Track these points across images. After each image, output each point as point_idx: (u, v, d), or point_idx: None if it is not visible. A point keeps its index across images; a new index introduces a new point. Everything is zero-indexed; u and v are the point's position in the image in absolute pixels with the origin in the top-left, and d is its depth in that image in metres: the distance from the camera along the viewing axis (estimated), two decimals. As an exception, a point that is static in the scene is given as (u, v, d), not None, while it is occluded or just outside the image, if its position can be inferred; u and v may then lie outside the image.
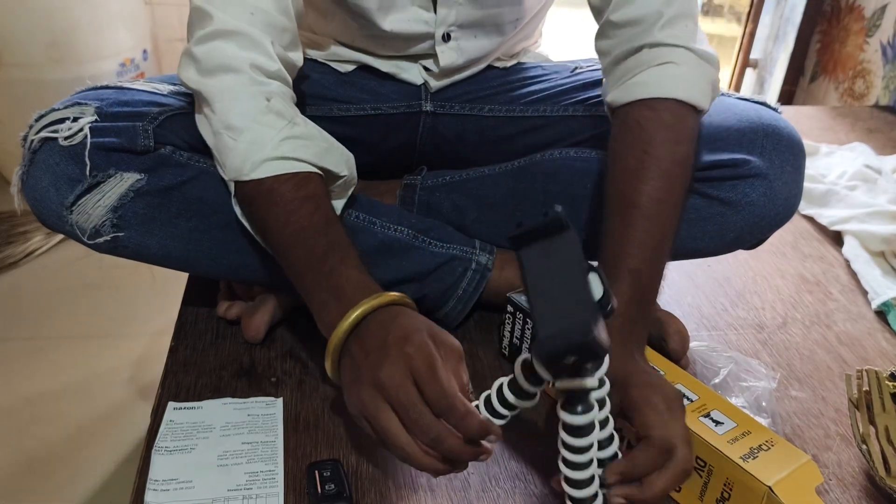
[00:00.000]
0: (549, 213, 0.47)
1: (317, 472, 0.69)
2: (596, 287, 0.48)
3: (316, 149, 0.70)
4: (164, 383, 0.79)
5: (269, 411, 0.76)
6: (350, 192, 0.78)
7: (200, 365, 0.81)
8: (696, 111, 0.75)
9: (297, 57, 0.77)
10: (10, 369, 1.40)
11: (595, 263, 0.50)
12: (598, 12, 0.79)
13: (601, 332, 0.45)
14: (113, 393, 1.36)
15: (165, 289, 1.62)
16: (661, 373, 0.72)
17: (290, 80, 0.75)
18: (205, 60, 0.70)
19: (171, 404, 0.76)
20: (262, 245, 0.74)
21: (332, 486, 0.67)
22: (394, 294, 0.63)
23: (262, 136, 0.68)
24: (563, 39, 1.76)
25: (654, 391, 0.61)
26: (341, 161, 0.73)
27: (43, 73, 1.63)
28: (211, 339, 0.85)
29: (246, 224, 0.73)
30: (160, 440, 0.71)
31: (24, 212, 1.76)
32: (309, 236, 0.66)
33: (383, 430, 0.56)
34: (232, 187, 0.71)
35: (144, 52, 1.80)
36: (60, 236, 1.72)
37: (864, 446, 0.74)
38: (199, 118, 0.73)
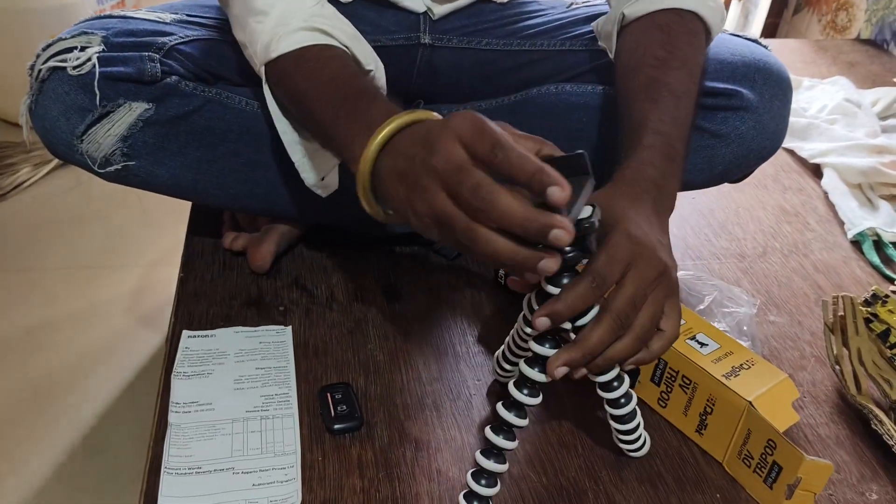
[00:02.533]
0: (576, 153, 0.52)
1: (329, 394, 0.73)
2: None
3: (346, 31, 0.70)
4: (176, 312, 0.82)
5: (279, 339, 0.80)
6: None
7: (210, 295, 0.84)
8: (708, 32, 0.78)
9: None
10: (5, 300, 1.41)
11: (596, 210, 0.54)
12: None
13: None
14: (111, 322, 1.38)
15: (156, 220, 1.64)
16: None
17: None
18: None
19: (185, 332, 0.79)
20: (296, 123, 0.71)
21: (345, 407, 0.72)
22: (423, 111, 0.58)
23: (291, 10, 0.68)
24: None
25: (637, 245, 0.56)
26: (368, 54, 0.71)
27: (22, 1, 1.59)
28: (218, 270, 0.88)
29: (277, 116, 0.71)
30: (178, 366, 0.75)
31: (7, 144, 1.75)
32: (339, 84, 0.64)
33: (458, 231, 0.50)
34: (262, 72, 0.70)
35: (124, -22, 1.76)
36: (48, 168, 1.72)
37: (837, 367, 0.80)
38: (232, 24, 0.74)
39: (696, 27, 0.76)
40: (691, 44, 0.75)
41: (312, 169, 0.74)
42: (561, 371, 0.56)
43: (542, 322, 0.54)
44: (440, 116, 0.57)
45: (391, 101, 0.62)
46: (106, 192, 1.70)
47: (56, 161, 1.74)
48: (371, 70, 0.72)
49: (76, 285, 1.46)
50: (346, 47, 0.69)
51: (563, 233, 0.47)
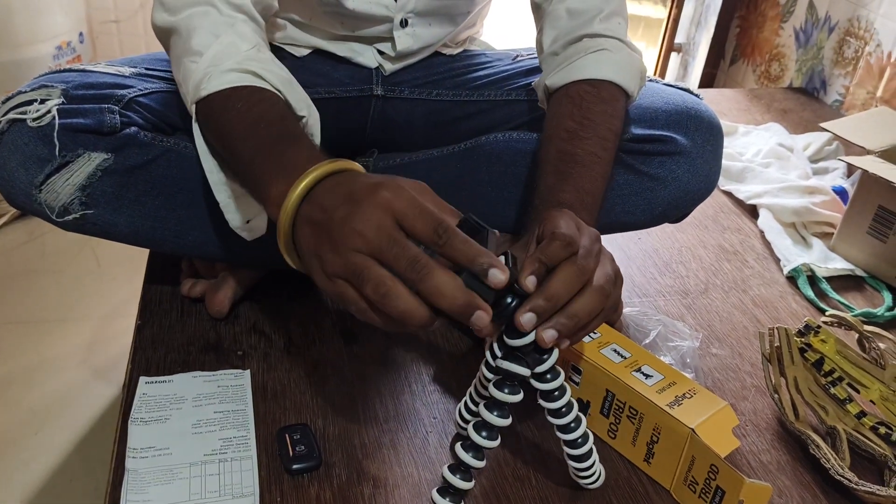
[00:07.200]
0: (465, 219, 0.55)
1: (287, 435, 0.74)
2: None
3: (280, 76, 0.70)
4: (133, 360, 0.82)
5: (237, 382, 0.81)
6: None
7: (168, 342, 0.85)
8: (627, 95, 0.82)
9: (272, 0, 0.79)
10: (-44, 356, 1.39)
11: (510, 252, 0.58)
12: (537, 7, 0.86)
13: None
14: (65, 376, 1.37)
15: (110, 272, 1.63)
16: (598, 335, 0.79)
17: (258, 18, 0.75)
18: (172, 1, 0.72)
19: (142, 379, 0.79)
20: (224, 163, 0.71)
21: (303, 447, 0.73)
22: (347, 161, 0.58)
23: (225, 51, 0.69)
24: (501, 27, 1.82)
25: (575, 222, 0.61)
26: (301, 100, 0.71)
27: (-23, 57, 1.60)
28: (176, 316, 0.89)
29: (204, 155, 0.71)
30: (135, 412, 0.75)
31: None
32: (263, 126, 0.64)
33: (371, 282, 0.51)
34: (193, 110, 0.70)
35: (80, 34, 1.78)
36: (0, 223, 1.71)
37: (775, 395, 0.83)
38: (172, 65, 0.75)
39: (611, 94, 0.81)
40: (605, 112, 0.79)
41: (237, 210, 0.73)
42: (528, 318, 0.56)
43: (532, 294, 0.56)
44: (362, 169, 0.59)
45: (316, 148, 0.64)
46: (59, 245, 1.69)
47: (8, 215, 1.72)
48: (304, 116, 0.71)
49: (29, 339, 1.44)
50: (279, 91, 0.69)
51: (483, 314, 0.52)
